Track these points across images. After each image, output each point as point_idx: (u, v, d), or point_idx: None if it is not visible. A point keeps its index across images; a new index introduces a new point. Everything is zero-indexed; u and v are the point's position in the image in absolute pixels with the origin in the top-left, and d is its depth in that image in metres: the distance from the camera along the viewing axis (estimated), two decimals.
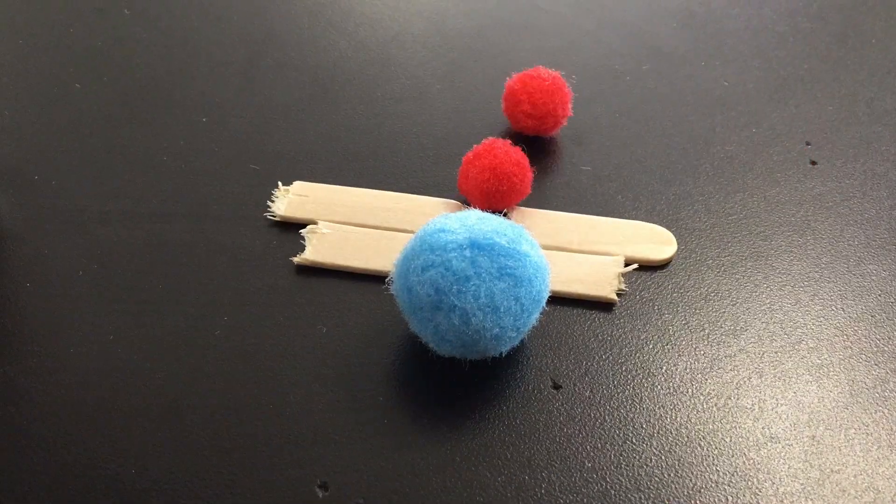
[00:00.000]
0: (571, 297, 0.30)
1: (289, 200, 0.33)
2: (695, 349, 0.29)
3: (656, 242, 0.32)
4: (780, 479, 0.26)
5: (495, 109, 0.39)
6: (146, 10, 0.45)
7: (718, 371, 0.29)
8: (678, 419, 0.27)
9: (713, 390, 0.28)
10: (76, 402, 0.27)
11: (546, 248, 0.29)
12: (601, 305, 0.30)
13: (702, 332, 0.30)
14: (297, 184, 0.34)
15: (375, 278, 0.30)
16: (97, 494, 0.25)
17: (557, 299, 0.30)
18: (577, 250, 0.31)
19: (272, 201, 0.33)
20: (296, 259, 0.31)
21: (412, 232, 0.30)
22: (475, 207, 0.28)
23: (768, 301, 0.31)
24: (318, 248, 0.31)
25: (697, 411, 0.27)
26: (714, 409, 0.27)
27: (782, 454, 0.26)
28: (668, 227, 0.33)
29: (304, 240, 0.32)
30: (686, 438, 0.27)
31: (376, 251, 0.31)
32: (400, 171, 0.36)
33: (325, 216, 0.32)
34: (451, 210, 0.33)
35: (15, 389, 0.27)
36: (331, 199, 0.33)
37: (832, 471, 0.26)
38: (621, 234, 0.32)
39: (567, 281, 0.30)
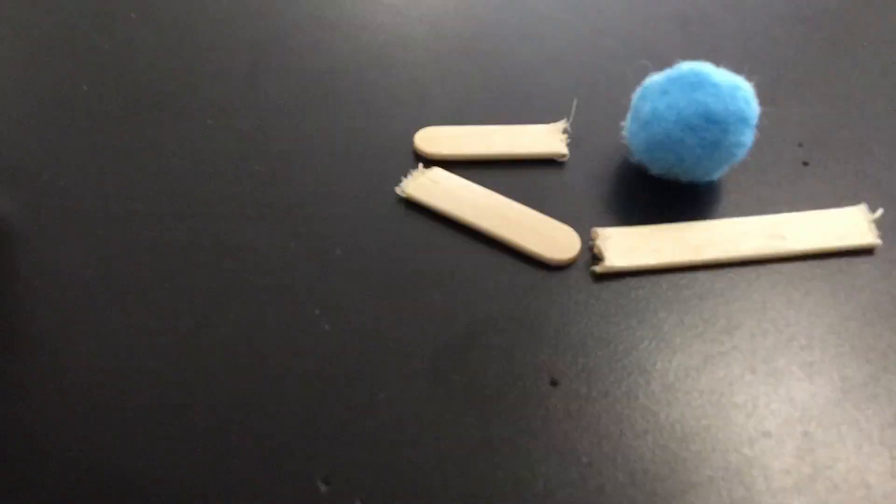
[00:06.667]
0: (828, 251, 0.32)
1: (418, 182, 0.34)
2: (689, 346, 0.30)
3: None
4: (772, 474, 0.26)
5: (494, 112, 0.39)
6: (153, 14, 0.45)
7: (712, 368, 0.29)
8: (673, 415, 0.28)
9: (707, 387, 0.28)
10: (81, 402, 0.27)
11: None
12: (857, 253, 0.32)
13: (696, 330, 0.30)
14: (436, 170, 0.36)
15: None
16: (101, 492, 0.25)
17: (816, 256, 0.32)
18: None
19: (403, 178, 0.35)
20: (597, 268, 0.31)
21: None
22: None
23: (761, 299, 0.31)
24: (614, 255, 0.31)
25: (692, 408, 0.28)
26: (708, 405, 0.28)
27: (775, 450, 0.27)
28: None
29: (597, 254, 0.32)
30: (681, 434, 0.27)
31: (673, 243, 0.32)
32: (401, 172, 0.36)
33: (445, 203, 0.34)
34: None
35: (20, 389, 0.28)
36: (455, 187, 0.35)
37: (824, 466, 0.26)
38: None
39: (823, 235, 0.33)
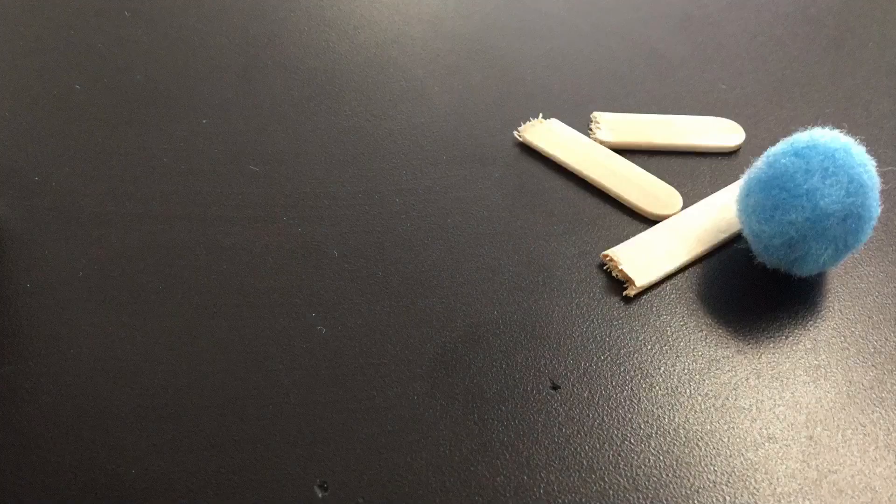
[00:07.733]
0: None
1: (536, 130, 0.37)
2: (693, 350, 0.29)
3: (725, 132, 0.38)
4: (777, 479, 0.26)
5: (494, 111, 0.39)
6: (147, 12, 0.45)
7: (716, 372, 0.29)
8: (676, 419, 0.27)
9: (711, 391, 0.28)
10: (76, 403, 0.27)
11: (633, 147, 0.37)
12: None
13: (700, 333, 0.30)
14: (554, 120, 0.37)
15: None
16: (97, 494, 0.25)
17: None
18: (662, 146, 0.37)
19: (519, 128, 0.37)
20: (630, 292, 0.30)
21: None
22: None
23: (766, 302, 0.31)
24: (637, 273, 0.31)
25: (695, 412, 0.27)
26: (712, 409, 0.28)
27: (780, 454, 0.26)
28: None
29: (620, 277, 0.31)
30: (684, 439, 0.27)
31: (679, 239, 0.32)
32: (398, 171, 0.36)
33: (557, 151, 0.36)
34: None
35: (15, 390, 0.27)
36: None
37: (829, 471, 0.26)
38: (694, 128, 0.38)
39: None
